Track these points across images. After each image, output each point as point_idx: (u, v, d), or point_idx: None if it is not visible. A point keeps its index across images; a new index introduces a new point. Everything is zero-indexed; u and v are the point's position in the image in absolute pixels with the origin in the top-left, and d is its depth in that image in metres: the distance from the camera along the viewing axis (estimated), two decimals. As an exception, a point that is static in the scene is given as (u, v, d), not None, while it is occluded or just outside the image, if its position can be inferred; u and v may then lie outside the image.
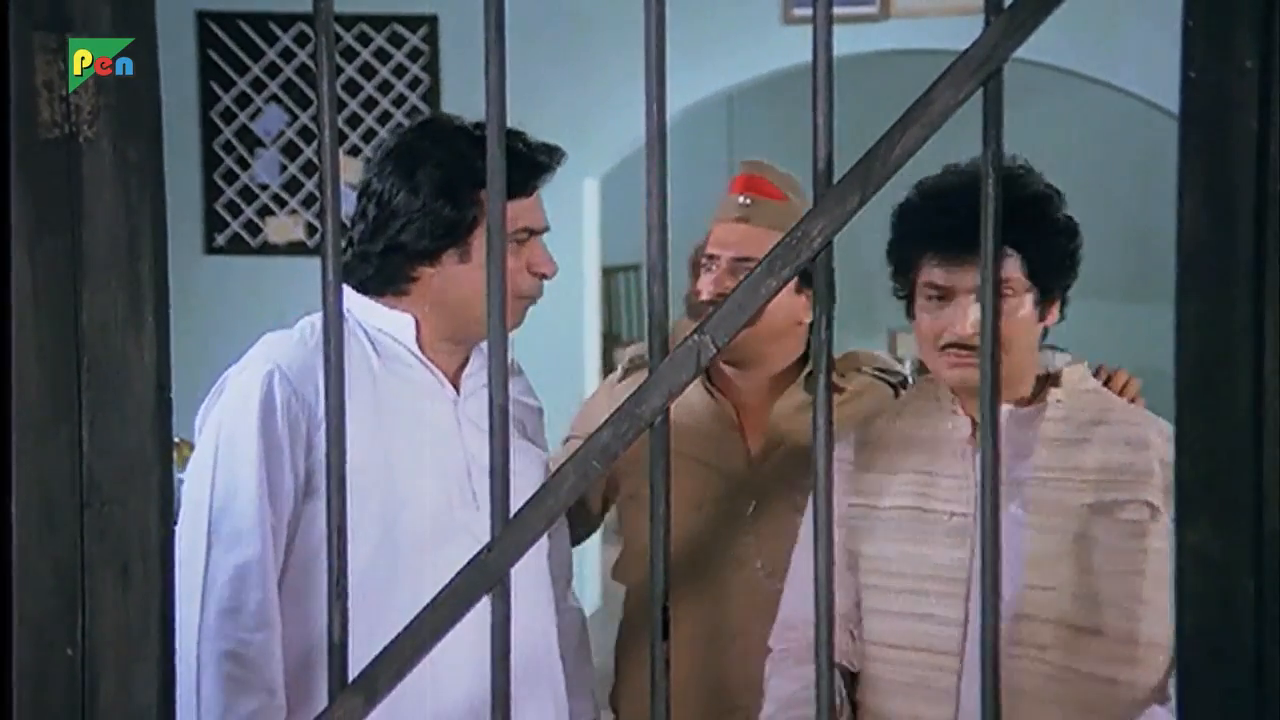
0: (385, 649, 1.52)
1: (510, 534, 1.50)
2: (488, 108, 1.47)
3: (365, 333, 2.50)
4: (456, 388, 2.53)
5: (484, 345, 2.55)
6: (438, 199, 2.43)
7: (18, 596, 1.47)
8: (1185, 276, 1.37)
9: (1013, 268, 2.38)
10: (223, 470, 2.38)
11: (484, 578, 1.50)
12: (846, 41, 6.50)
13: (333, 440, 1.55)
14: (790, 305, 2.77)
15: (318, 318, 2.51)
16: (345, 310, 2.48)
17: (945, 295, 2.39)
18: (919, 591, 2.41)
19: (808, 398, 2.79)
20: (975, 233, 1.43)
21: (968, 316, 2.36)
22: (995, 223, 1.43)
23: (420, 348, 2.50)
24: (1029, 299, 2.41)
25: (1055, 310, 2.48)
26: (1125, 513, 2.36)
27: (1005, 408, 2.40)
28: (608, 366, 9.28)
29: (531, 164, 2.48)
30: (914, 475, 2.47)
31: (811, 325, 2.83)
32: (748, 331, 2.75)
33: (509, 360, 2.56)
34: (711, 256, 2.82)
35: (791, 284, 2.76)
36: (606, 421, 1.50)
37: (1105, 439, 2.41)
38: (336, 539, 1.53)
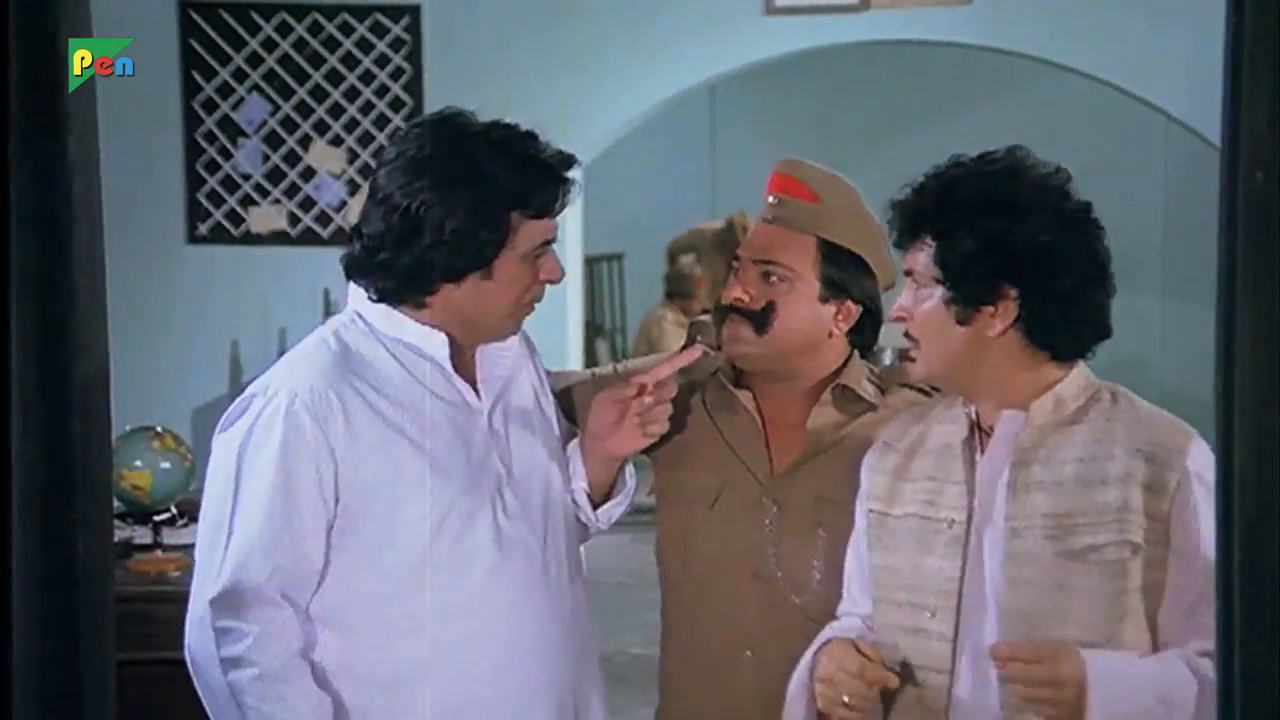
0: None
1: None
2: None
3: (383, 343, 2.49)
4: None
5: (487, 347, 2.58)
6: (475, 223, 2.41)
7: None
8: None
9: (925, 258, 2.34)
10: (245, 498, 2.39)
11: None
12: (827, 32, 6.52)
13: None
14: (817, 316, 2.67)
15: (337, 325, 2.53)
16: (356, 316, 2.52)
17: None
18: (919, 605, 2.34)
19: (841, 416, 2.70)
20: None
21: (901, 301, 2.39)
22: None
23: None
24: (938, 292, 2.32)
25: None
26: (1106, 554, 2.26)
27: (1008, 412, 2.34)
28: (590, 355, 9.26)
29: (563, 182, 2.48)
30: (926, 482, 2.40)
31: (849, 333, 2.71)
32: (774, 347, 2.70)
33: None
34: (738, 258, 2.71)
35: (815, 294, 2.66)
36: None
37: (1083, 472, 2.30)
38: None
